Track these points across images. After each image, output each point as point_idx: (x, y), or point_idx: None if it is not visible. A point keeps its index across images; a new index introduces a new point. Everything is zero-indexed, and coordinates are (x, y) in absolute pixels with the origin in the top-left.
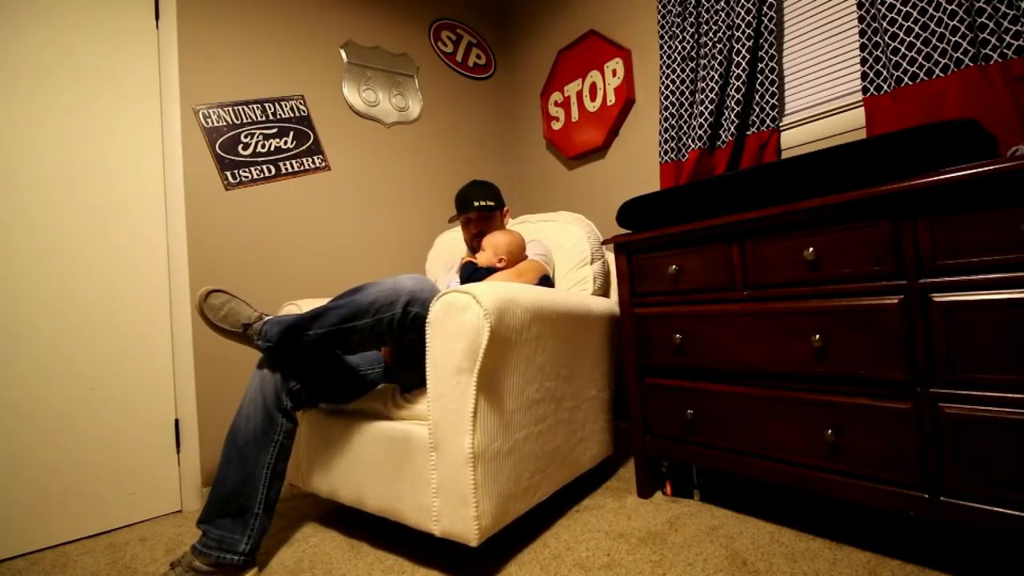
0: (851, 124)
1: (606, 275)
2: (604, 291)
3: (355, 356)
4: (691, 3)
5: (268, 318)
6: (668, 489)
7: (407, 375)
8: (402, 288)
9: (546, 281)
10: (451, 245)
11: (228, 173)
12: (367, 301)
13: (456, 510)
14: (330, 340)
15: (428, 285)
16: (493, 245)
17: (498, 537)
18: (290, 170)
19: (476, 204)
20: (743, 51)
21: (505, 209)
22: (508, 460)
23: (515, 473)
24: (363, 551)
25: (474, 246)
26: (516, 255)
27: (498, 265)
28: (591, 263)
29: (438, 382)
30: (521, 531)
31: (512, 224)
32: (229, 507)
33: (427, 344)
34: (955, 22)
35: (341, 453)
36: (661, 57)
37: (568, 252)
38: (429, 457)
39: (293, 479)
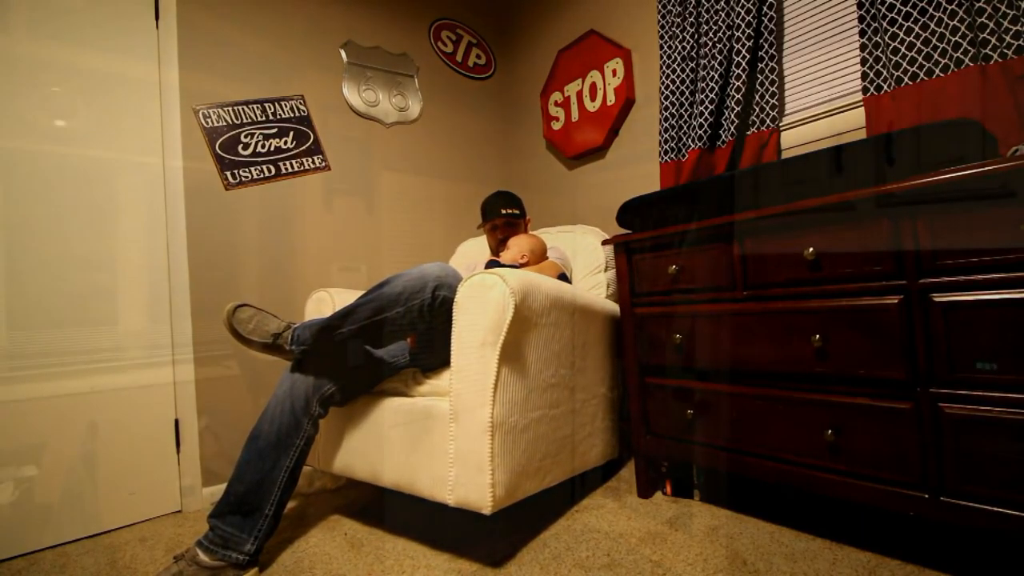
0: (851, 124)
1: None
2: (616, 297)
3: (381, 350)
4: (691, 3)
5: (297, 325)
6: (668, 489)
7: (429, 358)
8: (428, 275)
9: (564, 280)
10: (472, 254)
11: (228, 173)
12: (396, 292)
13: (472, 478)
14: (363, 334)
15: (452, 271)
16: (518, 244)
17: (498, 538)
18: (290, 170)
19: (504, 212)
20: (743, 51)
21: (527, 219)
22: (523, 436)
23: (529, 451)
24: (363, 551)
25: (499, 251)
26: (539, 255)
27: (521, 262)
28: (605, 270)
29: (462, 355)
30: (521, 530)
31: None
32: (242, 506)
33: (453, 320)
34: (955, 22)
35: (359, 431)
36: (661, 57)
37: (584, 259)
38: (448, 428)
39: (309, 459)
